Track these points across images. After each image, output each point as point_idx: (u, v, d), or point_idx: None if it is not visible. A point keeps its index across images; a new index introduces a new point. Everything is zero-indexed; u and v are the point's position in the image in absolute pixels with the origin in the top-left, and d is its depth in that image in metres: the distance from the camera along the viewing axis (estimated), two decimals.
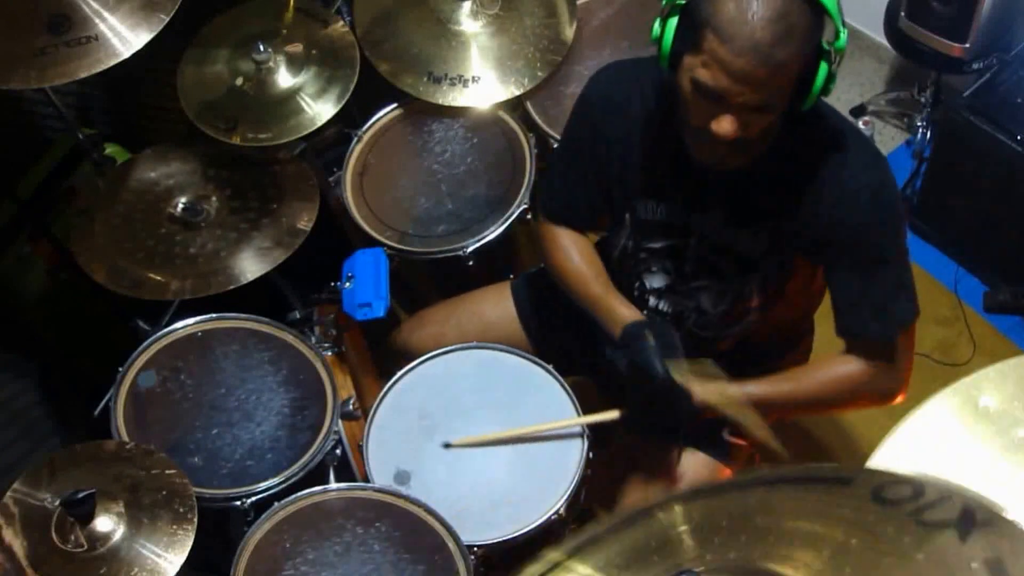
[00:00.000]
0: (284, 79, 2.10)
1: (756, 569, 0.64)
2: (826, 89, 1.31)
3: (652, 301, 1.68)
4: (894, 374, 1.54)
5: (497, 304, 1.98)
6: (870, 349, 1.52)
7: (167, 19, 1.81)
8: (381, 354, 2.22)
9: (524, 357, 1.88)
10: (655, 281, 1.66)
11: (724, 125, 1.30)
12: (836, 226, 1.45)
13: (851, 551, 0.63)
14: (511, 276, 2.06)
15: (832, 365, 1.56)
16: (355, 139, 2.20)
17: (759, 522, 0.68)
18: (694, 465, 1.76)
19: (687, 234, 1.57)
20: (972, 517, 0.62)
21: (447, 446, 1.79)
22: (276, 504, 1.74)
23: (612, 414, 1.68)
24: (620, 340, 1.58)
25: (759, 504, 0.70)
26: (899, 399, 1.56)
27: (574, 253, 1.72)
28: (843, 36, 1.29)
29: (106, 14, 1.81)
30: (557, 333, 1.93)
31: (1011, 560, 0.58)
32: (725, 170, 1.45)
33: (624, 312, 1.62)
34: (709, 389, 1.53)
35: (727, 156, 1.40)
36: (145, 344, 1.92)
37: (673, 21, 1.31)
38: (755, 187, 1.48)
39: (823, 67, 1.28)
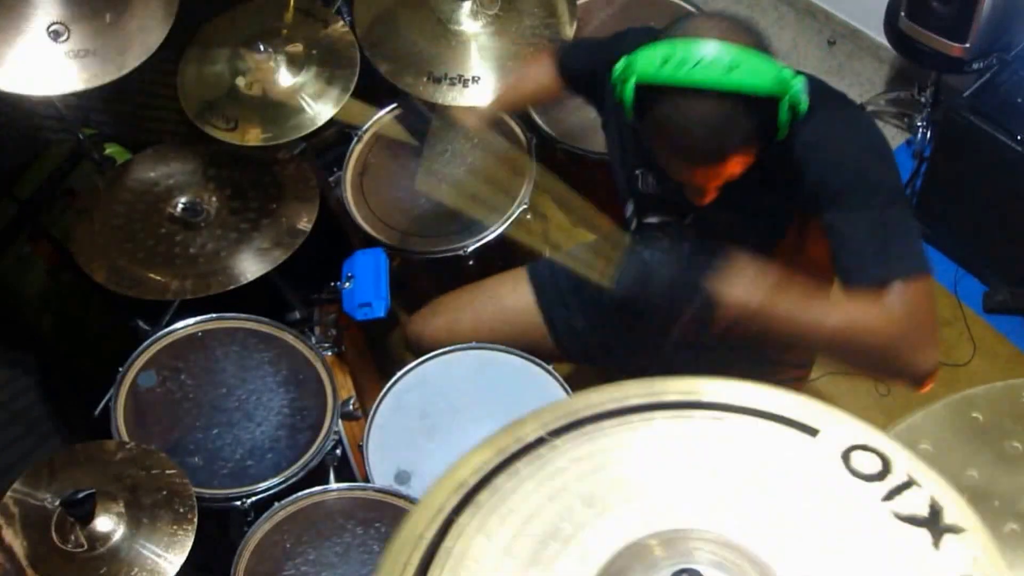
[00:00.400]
0: (284, 79, 2.10)
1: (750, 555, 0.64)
2: (793, 124, 1.29)
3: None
4: (913, 338, 1.35)
5: (514, 290, 1.96)
6: (880, 296, 1.34)
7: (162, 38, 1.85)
8: (381, 354, 2.23)
9: (524, 357, 1.88)
10: (656, 258, 1.64)
11: (702, 199, 1.39)
12: (816, 176, 1.40)
13: (831, 535, 0.63)
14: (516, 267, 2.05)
15: (852, 302, 1.37)
16: (355, 139, 2.20)
17: (727, 470, 0.67)
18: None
19: (683, 213, 1.57)
20: (940, 516, 0.62)
21: None
22: (276, 504, 1.74)
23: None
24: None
25: (723, 444, 0.68)
26: (929, 384, 1.38)
27: (540, 64, 1.80)
28: (797, 84, 1.25)
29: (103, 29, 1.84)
30: (576, 318, 1.92)
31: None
32: None
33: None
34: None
35: (701, 201, 1.45)
36: (145, 344, 1.92)
37: (631, 88, 1.29)
38: (750, 175, 1.45)
39: (782, 112, 1.26)
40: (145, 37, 1.87)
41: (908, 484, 0.64)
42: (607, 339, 1.89)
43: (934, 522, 0.62)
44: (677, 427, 0.70)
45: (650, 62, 1.25)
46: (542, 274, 1.95)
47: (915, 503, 0.63)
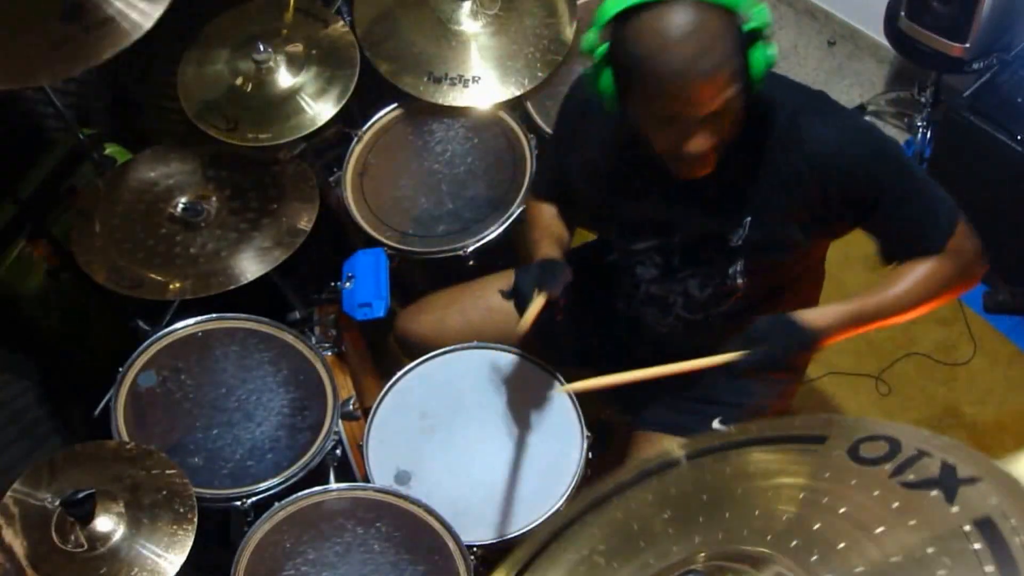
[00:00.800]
0: (284, 79, 2.11)
1: (754, 557, 0.64)
2: (767, 65, 1.33)
3: (643, 288, 1.69)
4: (968, 259, 1.56)
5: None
6: (936, 255, 1.52)
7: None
8: (381, 354, 2.22)
9: (524, 357, 1.88)
10: (646, 273, 1.66)
11: (698, 143, 1.34)
12: (832, 181, 1.44)
13: (839, 521, 0.63)
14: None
15: (916, 267, 1.53)
16: (355, 139, 2.20)
17: (740, 492, 0.68)
18: None
19: (670, 231, 1.58)
20: (954, 473, 0.62)
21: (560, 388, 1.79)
22: (276, 504, 1.74)
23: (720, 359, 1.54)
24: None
25: (736, 473, 0.69)
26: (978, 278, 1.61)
27: (544, 211, 1.79)
28: (759, 14, 1.30)
29: None
30: (561, 320, 1.92)
31: (1000, 517, 0.58)
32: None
33: (547, 250, 1.69)
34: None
35: (703, 166, 1.42)
36: (145, 344, 1.92)
37: (607, 73, 1.35)
38: (728, 174, 1.46)
39: (756, 50, 1.31)
40: None
41: (919, 456, 0.64)
42: (593, 342, 1.88)
43: (946, 480, 0.61)
44: (692, 474, 0.71)
45: (617, 1, 1.28)
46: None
47: (926, 470, 0.63)
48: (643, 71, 1.29)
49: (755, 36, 1.30)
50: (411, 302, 2.08)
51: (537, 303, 1.57)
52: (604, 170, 1.59)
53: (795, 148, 1.43)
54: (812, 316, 1.49)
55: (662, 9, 1.26)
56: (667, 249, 1.60)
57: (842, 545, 0.62)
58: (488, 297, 1.93)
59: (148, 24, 1.80)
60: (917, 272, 1.52)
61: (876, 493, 0.63)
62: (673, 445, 1.54)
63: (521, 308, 1.60)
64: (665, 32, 1.25)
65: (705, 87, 1.28)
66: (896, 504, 0.62)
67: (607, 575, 0.67)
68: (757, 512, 0.66)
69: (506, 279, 1.95)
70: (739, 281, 1.59)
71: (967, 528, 0.58)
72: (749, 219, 1.50)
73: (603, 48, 1.35)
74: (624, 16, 1.29)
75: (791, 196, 1.46)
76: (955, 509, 0.60)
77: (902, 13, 2.46)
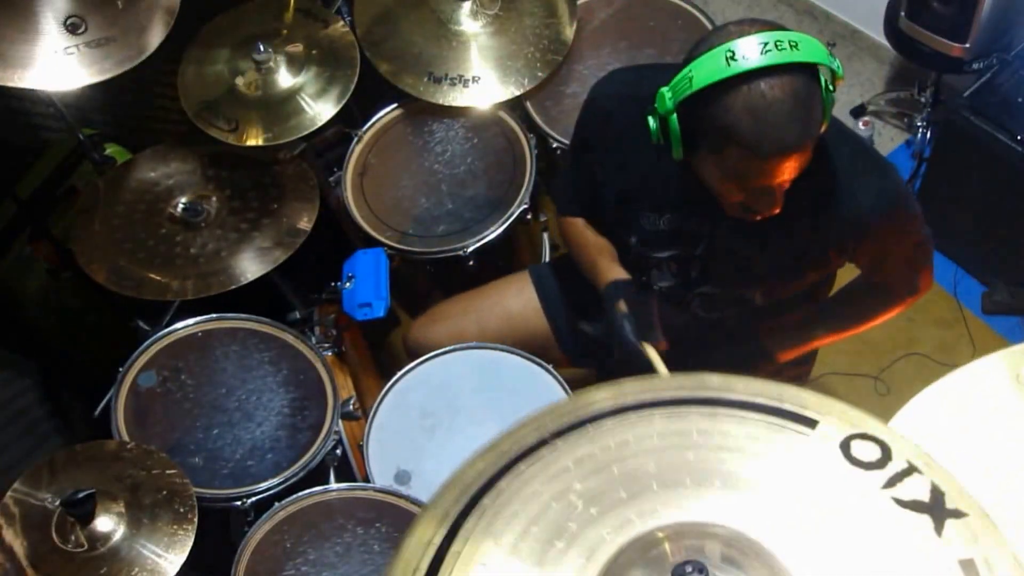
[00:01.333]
0: (284, 79, 2.10)
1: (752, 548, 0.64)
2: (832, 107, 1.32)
3: (658, 288, 1.69)
4: (918, 297, 1.67)
5: (519, 294, 1.94)
6: (904, 291, 1.66)
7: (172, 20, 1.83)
8: (381, 354, 2.23)
9: (524, 357, 1.88)
10: (661, 280, 1.66)
11: (769, 206, 1.34)
12: (858, 236, 1.46)
13: (835, 527, 0.63)
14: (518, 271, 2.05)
15: (864, 299, 1.68)
16: (355, 139, 2.20)
17: (728, 461, 0.67)
18: None
19: (695, 244, 1.57)
20: (943, 502, 0.62)
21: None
22: (276, 504, 1.74)
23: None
24: (600, 299, 1.63)
25: (723, 443, 0.68)
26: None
27: (579, 228, 1.76)
28: (837, 67, 1.29)
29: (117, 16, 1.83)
30: (581, 321, 1.92)
31: (983, 565, 0.59)
32: None
33: (607, 268, 1.65)
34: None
35: (760, 218, 1.42)
36: (145, 344, 1.92)
37: (674, 124, 1.30)
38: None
39: (829, 97, 1.28)
40: (161, 15, 1.87)
41: (909, 471, 0.64)
42: (612, 342, 1.89)
43: (936, 507, 0.62)
44: (675, 424, 0.70)
45: (713, 66, 1.21)
46: (545, 279, 1.95)
47: (916, 489, 0.63)
48: (739, 145, 1.24)
49: (827, 87, 1.28)
50: (412, 302, 2.08)
51: (654, 355, 1.51)
52: (631, 180, 1.57)
53: (832, 205, 1.43)
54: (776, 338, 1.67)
55: (770, 79, 1.20)
56: (686, 260, 1.60)
57: (831, 546, 0.62)
58: (505, 303, 1.94)
59: (147, 51, 1.82)
60: (869, 304, 1.68)
61: (868, 500, 0.64)
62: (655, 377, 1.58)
63: (627, 355, 1.55)
64: (772, 109, 1.20)
65: (801, 159, 1.26)
66: (887, 519, 0.62)
67: (584, 522, 0.65)
68: (748, 491, 0.66)
69: (519, 282, 1.96)
70: (757, 299, 1.61)
71: (952, 566, 0.59)
72: (771, 248, 1.51)
73: (670, 102, 1.29)
74: (724, 85, 1.22)
75: (813, 240, 1.48)
76: (943, 542, 0.60)
77: (902, 13, 2.46)
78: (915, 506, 0.62)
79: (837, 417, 0.68)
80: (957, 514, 0.61)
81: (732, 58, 1.19)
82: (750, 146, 1.23)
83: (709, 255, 1.57)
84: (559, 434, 0.70)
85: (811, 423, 0.68)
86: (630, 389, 0.72)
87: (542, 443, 0.70)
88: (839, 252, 1.51)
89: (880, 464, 0.65)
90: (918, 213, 1.53)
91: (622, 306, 1.57)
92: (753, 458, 0.67)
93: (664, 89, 1.30)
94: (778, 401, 0.70)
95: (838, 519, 0.64)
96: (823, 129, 1.28)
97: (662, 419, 0.70)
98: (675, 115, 1.29)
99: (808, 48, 1.22)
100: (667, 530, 0.64)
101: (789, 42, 1.20)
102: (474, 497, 0.67)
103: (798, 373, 1.92)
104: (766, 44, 1.19)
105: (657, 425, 0.70)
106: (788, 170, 1.27)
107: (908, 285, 1.63)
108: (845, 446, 0.66)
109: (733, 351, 1.70)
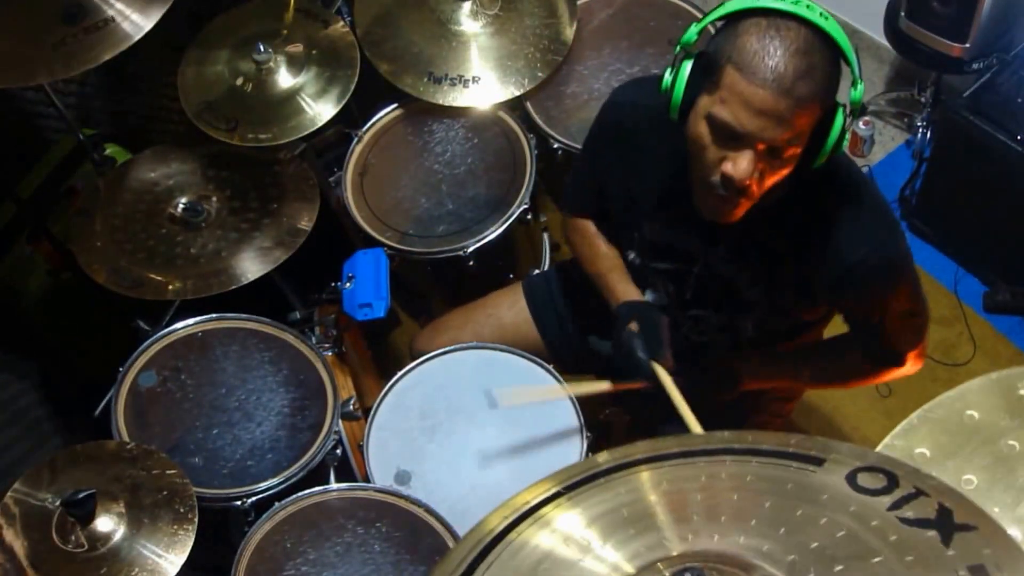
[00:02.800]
0: (284, 79, 2.11)
1: (748, 564, 0.64)
2: (839, 145, 1.28)
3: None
4: (903, 369, 1.62)
5: (512, 307, 1.97)
6: (887, 362, 1.61)
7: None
8: (381, 354, 2.23)
9: (524, 357, 1.88)
10: (657, 298, 1.66)
11: (741, 164, 1.25)
12: (844, 284, 1.43)
13: (839, 544, 0.63)
14: (510, 276, 2.06)
15: (846, 356, 1.64)
16: (355, 139, 2.20)
17: (736, 499, 0.68)
18: None
19: (691, 261, 1.57)
20: (950, 517, 0.62)
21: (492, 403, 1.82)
22: (277, 504, 1.74)
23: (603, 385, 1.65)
24: (613, 316, 1.62)
25: (732, 481, 0.69)
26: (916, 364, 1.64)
27: (589, 235, 1.76)
28: (860, 88, 1.27)
29: None
30: (568, 331, 1.93)
31: (993, 568, 0.59)
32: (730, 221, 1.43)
33: (621, 290, 1.65)
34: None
35: (730, 211, 1.36)
36: (146, 344, 1.92)
37: (687, 65, 1.29)
38: (765, 229, 1.45)
39: (838, 120, 1.26)
40: None
41: (916, 494, 0.64)
42: (616, 355, 1.89)
43: (943, 523, 0.62)
44: (684, 471, 0.71)
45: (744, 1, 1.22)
46: (537, 291, 1.97)
47: (923, 509, 0.63)
48: (737, 67, 1.20)
49: (845, 110, 1.26)
50: (411, 302, 2.09)
51: (664, 376, 1.50)
52: (636, 187, 1.57)
53: (821, 247, 1.41)
54: (744, 368, 1.64)
55: (788, 21, 1.19)
56: (681, 278, 1.60)
57: (839, 568, 0.62)
58: (499, 314, 1.97)
59: (147, 27, 1.81)
60: (848, 361, 1.63)
61: (874, 523, 0.64)
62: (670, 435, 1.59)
63: (632, 370, 1.53)
64: (777, 40, 1.19)
65: (788, 109, 1.20)
66: (894, 538, 0.62)
67: (598, 556, 0.66)
68: (753, 522, 0.66)
69: (512, 293, 1.97)
70: (749, 331, 1.61)
71: (961, 572, 0.58)
72: (760, 278, 1.51)
73: (693, 36, 1.29)
74: (743, 15, 1.22)
75: (799, 277, 1.47)
76: (951, 552, 0.60)
77: (902, 13, 2.46)
78: (922, 523, 0.62)
79: (843, 454, 0.69)
80: (966, 528, 0.61)
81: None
82: (743, 64, 1.20)
83: (702, 277, 1.57)
84: (572, 488, 0.72)
85: (818, 461, 0.69)
86: (638, 448, 0.74)
87: (557, 495, 0.72)
88: (824, 297, 1.49)
89: (886, 490, 0.65)
90: (912, 282, 1.49)
91: (634, 325, 1.55)
92: (759, 494, 0.68)
93: (694, 25, 1.30)
94: (785, 446, 0.70)
95: (844, 540, 0.64)
96: (816, 115, 1.24)
97: (672, 468, 0.72)
98: (690, 57, 1.29)
99: (837, 32, 1.23)
100: (670, 559, 0.65)
101: (822, 13, 1.21)
102: (486, 548, 0.69)
103: (780, 412, 1.91)
104: (799, 0, 1.20)
105: (667, 473, 0.71)
106: (767, 123, 1.21)
107: (891, 355, 1.57)
108: (851, 478, 0.66)
109: (702, 370, 1.65)
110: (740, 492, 0.68)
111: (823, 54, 1.21)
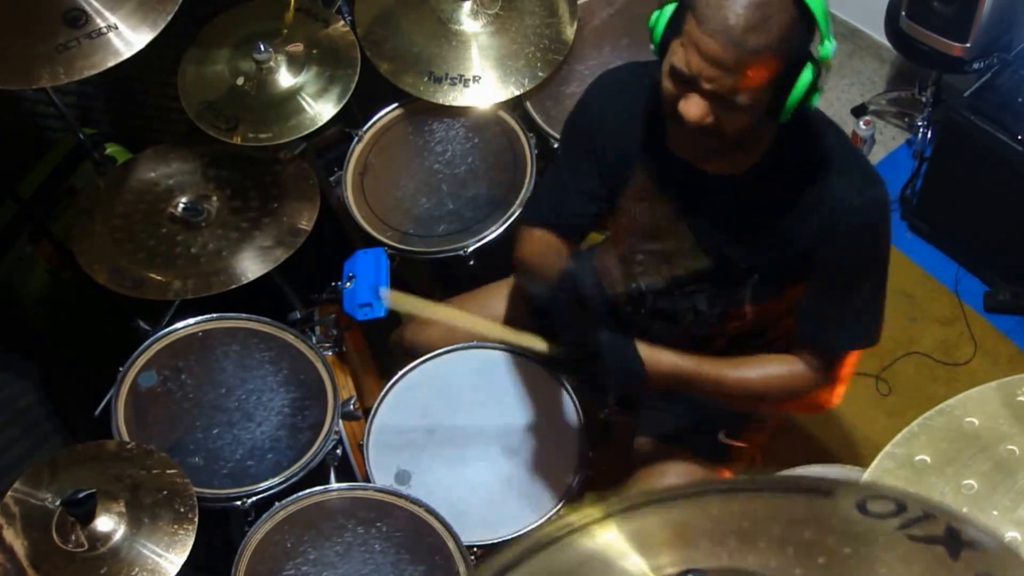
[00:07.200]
0: (285, 79, 2.10)
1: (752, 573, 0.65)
2: (808, 98, 1.30)
3: (650, 301, 1.69)
4: (831, 388, 1.57)
5: (505, 298, 1.96)
6: (818, 359, 1.54)
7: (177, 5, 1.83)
8: (381, 354, 2.22)
9: (524, 357, 1.88)
10: (653, 284, 1.66)
11: (691, 107, 1.29)
12: (822, 243, 1.44)
13: (845, 559, 0.63)
14: (511, 275, 2.06)
15: (776, 362, 1.57)
16: (356, 139, 2.20)
17: (746, 526, 0.68)
18: (691, 469, 1.75)
19: (681, 237, 1.57)
20: (958, 536, 0.62)
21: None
22: (277, 504, 1.74)
23: (539, 344, 1.60)
24: (559, 279, 1.55)
25: (742, 510, 0.70)
26: (825, 410, 1.61)
27: (549, 249, 1.70)
28: (828, 45, 1.27)
29: (118, 6, 1.82)
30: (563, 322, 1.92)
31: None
32: (717, 174, 1.46)
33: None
34: (655, 355, 1.53)
35: (704, 152, 1.40)
36: (146, 344, 1.92)
37: (668, 8, 1.33)
38: (746, 196, 1.47)
39: (806, 73, 1.27)
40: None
41: (924, 517, 0.64)
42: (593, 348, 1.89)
43: (951, 541, 0.62)
44: (693, 506, 0.71)
45: None
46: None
47: (931, 529, 0.63)
48: (694, 15, 1.25)
49: (814, 64, 1.27)
50: None
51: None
52: (622, 170, 1.58)
53: (819, 204, 1.42)
54: (650, 355, 1.51)
55: None
56: (673, 256, 1.60)
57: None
58: (492, 305, 1.96)
59: (147, 38, 1.80)
60: (772, 369, 1.56)
61: (882, 540, 0.64)
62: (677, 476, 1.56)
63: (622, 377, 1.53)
64: None
65: (735, 59, 1.23)
66: (901, 551, 0.62)
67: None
68: (762, 544, 0.66)
69: (507, 285, 1.96)
70: (746, 307, 1.60)
71: None
72: (755, 245, 1.51)
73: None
74: None
75: (798, 241, 1.46)
76: (958, 564, 0.60)
77: (903, 13, 2.45)
78: (930, 540, 0.62)
79: (852, 485, 0.69)
80: (973, 545, 0.61)
81: None
82: (699, 12, 1.24)
83: (696, 227, 1.55)
84: (574, 531, 0.72)
85: (827, 493, 0.69)
86: (644, 489, 0.74)
87: (555, 539, 0.71)
88: (806, 251, 1.47)
89: (895, 514, 0.65)
90: (885, 266, 1.49)
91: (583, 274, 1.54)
92: (767, 520, 0.68)
93: None
94: (795, 482, 0.71)
95: (852, 557, 0.64)
96: (772, 68, 1.25)
97: (679, 505, 0.72)
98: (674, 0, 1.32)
99: None
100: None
101: None
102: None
103: (752, 440, 1.88)
104: None
105: (676, 513, 0.71)
106: (715, 72, 1.25)
107: (828, 347, 1.52)
108: (861, 505, 0.66)
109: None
110: (749, 520, 0.68)
111: (782, 7, 1.22)
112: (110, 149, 2.32)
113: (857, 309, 1.51)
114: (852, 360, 1.56)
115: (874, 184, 1.44)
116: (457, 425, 1.84)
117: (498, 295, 1.97)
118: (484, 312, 1.94)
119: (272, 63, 2.09)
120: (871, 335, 1.52)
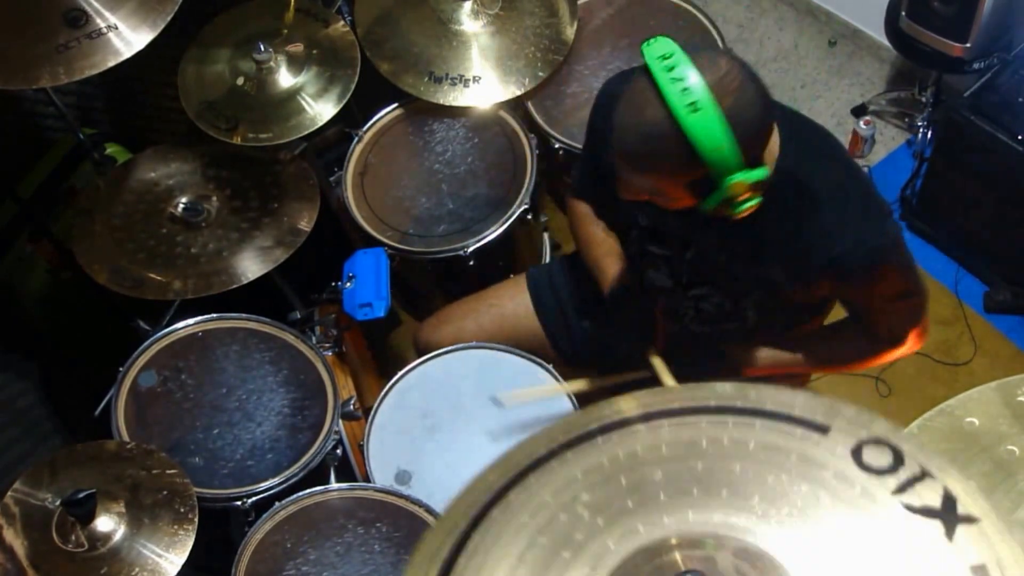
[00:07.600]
0: (285, 79, 2.10)
1: (754, 552, 0.64)
2: (725, 207, 1.30)
3: (654, 297, 1.69)
4: (912, 344, 1.61)
5: (513, 297, 1.97)
6: (886, 340, 1.60)
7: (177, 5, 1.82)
8: (381, 354, 2.23)
9: (525, 357, 1.88)
10: (658, 280, 1.67)
11: (620, 188, 1.40)
12: (832, 272, 1.43)
13: (841, 530, 0.63)
14: (511, 276, 2.06)
15: (847, 340, 1.64)
16: (356, 139, 2.20)
17: (739, 471, 0.67)
18: None
19: (684, 246, 1.58)
20: (954, 507, 0.62)
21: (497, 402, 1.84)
22: (277, 504, 1.74)
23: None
24: (605, 303, 1.64)
25: (734, 447, 0.69)
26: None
27: (586, 220, 1.77)
28: (757, 172, 1.26)
29: (119, 6, 1.82)
30: (569, 322, 1.93)
31: (995, 569, 0.59)
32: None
33: (613, 275, 1.68)
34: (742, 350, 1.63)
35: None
36: (146, 344, 1.92)
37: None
38: (736, 232, 1.44)
39: (721, 188, 1.27)
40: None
41: (921, 476, 0.64)
42: (603, 344, 1.89)
43: (947, 513, 0.62)
44: (684, 433, 0.70)
45: (659, 48, 1.23)
46: (540, 281, 1.97)
47: (928, 495, 0.63)
48: (615, 112, 1.31)
49: (729, 188, 1.27)
50: (411, 302, 2.08)
51: (659, 365, 1.59)
52: None
53: (815, 235, 1.41)
54: (746, 356, 1.63)
55: (656, 104, 1.22)
56: (677, 262, 1.61)
57: (842, 555, 0.62)
58: (502, 305, 1.97)
59: (147, 38, 1.80)
60: (850, 345, 1.63)
61: (878, 507, 0.64)
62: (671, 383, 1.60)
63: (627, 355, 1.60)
64: (634, 111, 1.25)
65: (632, 174, 1.32)
66: (897, 526, 0.62)
67: (590, 532, 0.66)
68: (756, 499, 0.66)
69: (515, 285, 1.98)
70: (749, 314, 1.61)
71: (964, 572, 0.59)
72: (757, 266, 1.51)
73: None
74: (643, 69, 1.25)
75: (798, 262, 1.46)
76: (954, 547, 0.60)
77: (903, 13, 2.45)
78: (926, 512, 0.62)
79: (849, 422, 0.68)
80: (969, 519, 0.61)
81: (663, 59, 1.22)
82: (613, 127, 1.30)
83: (695, 261, 1.58)
84: (568, 445, 0.70)
85: (823, 429, 0.68)
86: (641, 401, 0.72)
87: (552, 455, 0.70)
88: (816, 280, 1.47)
89: (892, 469, 0.64)
90: (902, 265, 1.48)
91: (624, 314, 1.60)
92: (762, 466, 0.67)
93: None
94: (789, 408, 0.69)
95: (848, 527, 0.63)
96: (675, 182, 1.30)
97: (671, 429, 0.70)
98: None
99: (696, 125, 1.20)
100: (673, 539, 0.65)
101: (696, 106, 1.19)
102: (483, 509, 0.67)
103: (792, 385, 1.91)
104: (682, 80, 1.20)
105: (666, 435, 0.70)
106: (620, 180, 1.35)
107: (891, 336, 1.58)
108: (857, 452, 0.66)
109: (699, 361, 1.67)
110: (742, 463, 0.67)
111: (675, 140, 1.22)
112: (110, 149, 2.32)
113: (899, 309, 1.53)
114: (918, 329, 1.57)
115: (876, 223, 1.42)
116: (457, 425, 1.84)
117: (505, 295, 1.98)
118: (492, 312, 1.96)
119: (272, 63, 2.09)
120: (920, 305, 1.55)
